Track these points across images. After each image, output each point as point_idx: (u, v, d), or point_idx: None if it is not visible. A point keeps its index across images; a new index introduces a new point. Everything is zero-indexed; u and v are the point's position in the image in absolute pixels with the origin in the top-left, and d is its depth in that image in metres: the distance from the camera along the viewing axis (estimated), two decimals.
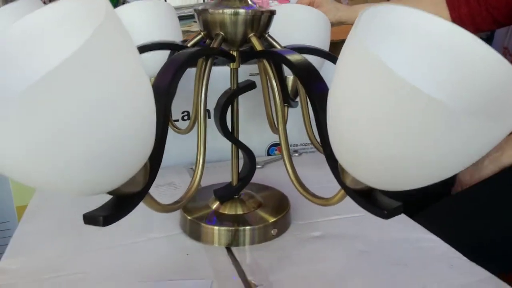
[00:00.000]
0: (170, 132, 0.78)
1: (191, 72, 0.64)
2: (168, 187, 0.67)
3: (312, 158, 0.83)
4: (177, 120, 0.79)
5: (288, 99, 0.67)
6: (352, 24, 0.29)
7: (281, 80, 0.63)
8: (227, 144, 0.53)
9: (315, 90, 0.41)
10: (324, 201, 0.42)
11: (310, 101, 0.42)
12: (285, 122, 0.52)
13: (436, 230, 0.53)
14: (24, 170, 0.26)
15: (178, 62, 0.40)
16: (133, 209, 0.34)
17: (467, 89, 0.30)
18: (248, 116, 0.82)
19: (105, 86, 0.25)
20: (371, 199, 0.37)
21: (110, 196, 0.34)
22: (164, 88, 0.38)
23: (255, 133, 0.82)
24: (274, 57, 0.45)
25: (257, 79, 0.81)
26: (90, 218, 0.32)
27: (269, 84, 0.55)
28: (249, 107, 0.81)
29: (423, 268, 0.45)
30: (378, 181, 0.33)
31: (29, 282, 0.44)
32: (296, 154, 0.82)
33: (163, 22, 0.63)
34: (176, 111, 0.77)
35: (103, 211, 0.33)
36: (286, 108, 0.68)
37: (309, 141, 0.89)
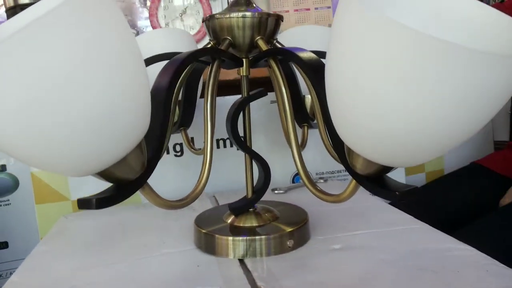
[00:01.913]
0: (193, 159, 0.79)
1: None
2: (187, 210, 0.65)
3: (339, 185, 0.80)
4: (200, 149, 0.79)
5: (307, 118, 0.66)
6: None
7: (298, 99, 0.63)
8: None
9: (324, 88, 0.40)
10: (335, 197, 0.39)
11: (318, 99, 0.41)
12: (295, 127, 0.51)
13: (484, 244, 0.48)
14: (6, 135, 0.26)
15: (180, 59, 0.40)
16: (128, 195, 0.33)
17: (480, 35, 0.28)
18: (270, 147, 0.81)
19: (90, 44, 0.25)
20: (382, 183, 0.34)
21: None
22: (165, 83, 0.38)
23: (279, 163, 0.80)
24: (282, 55, 0.45)
25: (277, 107, 0.81)
26: (84, 202, 0.32)
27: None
28: (270, 138, 0.81)
29: (454, 274, 0.41)
30: (391, 156, 0.30)
31: None
32: (322, 181, 0.79)
33: (180, 49, 0.65)
34: (199, 140, 0.78)
35: (98, 196, 0.32)
36: (306, 128, 0.66)
37: (336, 169, 0.86)
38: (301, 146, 0.65)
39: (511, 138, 1.02)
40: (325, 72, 0.31)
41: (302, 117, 0.65)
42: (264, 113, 0.81)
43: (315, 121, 0.68)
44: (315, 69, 0.41)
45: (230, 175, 0.79)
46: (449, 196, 0.78)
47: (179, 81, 0.52)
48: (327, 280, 0.41)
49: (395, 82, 0.25)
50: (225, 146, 0.80)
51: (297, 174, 0.83)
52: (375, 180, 0.35)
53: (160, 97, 0.37)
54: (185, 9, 1.07)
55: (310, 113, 0.66)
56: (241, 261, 0.47)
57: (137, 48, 0.30)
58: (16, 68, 0.23)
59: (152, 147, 0.35)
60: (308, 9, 1.21)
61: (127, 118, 0.29)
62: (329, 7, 1.22)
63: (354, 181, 0.37)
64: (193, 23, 1.07)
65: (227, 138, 0.80)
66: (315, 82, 0.40)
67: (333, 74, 0.29)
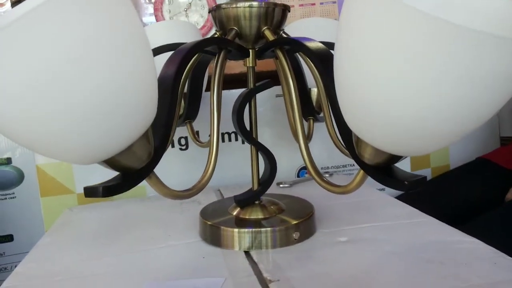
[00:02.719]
0: (199, 152, 0.78)
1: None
2: (192, 203, 0.65)
3: (345, 179, 0.79)
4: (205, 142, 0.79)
5: (313, 112, 0.66)
6: None
7: (305, 92, 0.62)
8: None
9: (333, 77, 0.39)
10: (342, 188, 0.39)
11: (326, 89, 0.41)
12: (302, 119, 0.50)
13: (490, 239, 0.48)
14: (11, 120, 0.26)
15: (187, 48, 0.40)
16: (135, 184, 0.33)
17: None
18: (275, 141, 0.81)
19: (97, 27, 0.25)
20: (390, 173, 0.34)
21: None
22: (172, 71, 0.38)
23: (284, 157, 0.80)
24: (289, 45, 0.45)
25: (283, 100, 0.81)
26: (90, 190, 0.31)
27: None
28: (276, 132, 0.80)
29: (462, 265, 0.40)
30: (401, 143, 0.30)
31: (44, 283, 0.43)
32: (327, 175, 0.79)
33: (185, 41, 0.65)
34: (204, 134, 0.77)
35: (104, 184, 0.32)
36: (311, 121, 0.66)
37: (341, 164, 0.86)
38: (307, 139, 0.64)
39: None
40: (334, 59, 0.31)
41: (308, 110, 0.64)
42: (269, 107, 0.80)
43: (321, 115, 0.68)
44: (323, 59, 0.41)
45: (235, 169, 0.79)
46: (455, 191, 0.77)
47: (185, 72, 0.52)
48: (333, 272, 0.40)
49: (407, 67, 0.24)
50: (230, 140, 0.80)
51: (303, 168, 0.82)
52: (383, 170, 0.34)
53: (167, 86, 0.36)
54: (190, 3, 1.07)
55: (316, 107, 0.66)
56: (247, 253, 0.47)
57: (144, 34, 0.30)
58: (22, 51, 0.23)
59: (159, 136, 0.35)
60: (314, 4, 1.21)
61: (134, 104, 0.29)
62: (334, 2, 1.21)
63: (361, 171, 0.37)
64: (198, 18, 1.07)
65: (232, 132, 0.80)
66: (323, 71, 0.39)
67: (343, 60, 0.29)
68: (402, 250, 0.44)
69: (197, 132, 0.77)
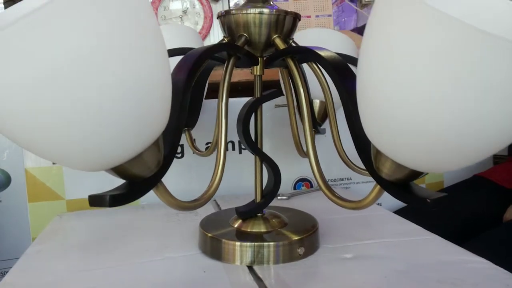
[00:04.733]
0: (194, 161, 0.76)
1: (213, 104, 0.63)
2: (189, 214, 0.63)
3: (343, 193, 0.78)
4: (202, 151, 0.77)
5: (315, 124, 0.64)
6: None
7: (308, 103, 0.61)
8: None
9: (349, 87, 0.38)
10: (355, 204, 0.38)
11: (342, 99, 0.40)
12: (313, 131, 0.49)
13: (489, 258, 0.47)
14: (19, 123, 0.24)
15: (197, 53, 0.38)
16: (143, 194, 0.31)
17: None
18: (273, 152, 0.79)
19: (112, 25, 0.23)
20: (408, 190, 0.33)
21: None
22: (183, 78, 0.36)
23: (281, 169, 0.78)
24: (302, 53, 0.43)
25: (281, 111, 0.79)
26: (96, 198, 0.29)
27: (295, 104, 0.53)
28: (274, 143, 0.79)
29: (473, 286, 0.39)
30: (427, 160, 0.28)
31: None
32: None
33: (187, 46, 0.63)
34: (200, 142, 0.76)
35: (111, 192, 0.30)
36: (313, 133, 0.65)
37: (338, 177, 0.85)
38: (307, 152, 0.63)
39: (510, 153, 1.02)
40: (359, 69, 0.30)
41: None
42: (268, 117, 0.79)
43: (322, 127, 0.67)
44: (337, 67, 0.40)
45: (232, 179, 0.77)
46: (454, 208, 0.77)
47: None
48: None
49: (440, 76, 0.23)
50: (227, 149, 0.78)
51: (299, 180, 0.81)
52: (402, 186, 0.33)
53: (178, 91, 0.35)
54: (185, 11, 1.05)
55: (318, 118, 0.65)
56: (250, 268, 0.45)
57: (161, 36, 0.28)
58: (34, 47, 0.21)
59: (168, 144, 0.33)
60: (309, 16, 1.20)
61: (148, 107, 0.27)
62: (329, 15, 1.21)
63: (377, 187, 0.35)
64: (193, 25, 1.05)
65: (230, 141, 0.78)
66: (338, 81, 0.38)
67: (369, 68, 0.28)
68: (410, 270, 0.43)
69: (194, 140, 0.75)
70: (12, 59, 0.21)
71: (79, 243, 0.54)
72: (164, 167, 0.32)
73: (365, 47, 0.28)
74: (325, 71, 0.42)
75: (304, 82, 0.44)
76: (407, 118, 0.26)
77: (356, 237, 0.52)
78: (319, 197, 0.72)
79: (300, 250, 0.46)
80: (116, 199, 0.29)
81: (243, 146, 0.78)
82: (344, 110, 0.39)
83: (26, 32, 0.21)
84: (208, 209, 0.64)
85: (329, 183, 0.82)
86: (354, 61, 0.51)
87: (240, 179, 0.76)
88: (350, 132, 0.38)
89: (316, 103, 0.64)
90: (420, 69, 0.24)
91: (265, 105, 0.79)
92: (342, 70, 0.39)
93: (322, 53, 0.40)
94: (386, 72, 0.26)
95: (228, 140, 0.78)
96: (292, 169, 0.81)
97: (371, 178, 0.35)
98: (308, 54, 0.42)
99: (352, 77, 0.40)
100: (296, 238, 0.46)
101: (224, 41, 0.48)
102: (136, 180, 0.31)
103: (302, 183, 0.81)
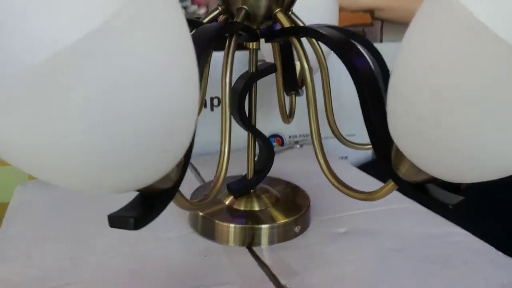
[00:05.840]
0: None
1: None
2: None
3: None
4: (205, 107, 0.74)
5: (296, 87, 0.63)
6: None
7: (291, 66, 0.59)
8: (242, 133, 0.48)
9: (358, 66, 0.36)
10: (367, 195, 0.38)
11: (353, 78, 0.38)
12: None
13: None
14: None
15: (203, 40, 0.34)
16: (165, 208, 0.29)
17: None
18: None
19: (153, 47, 0.20)
20: (428, 192, 0.33)
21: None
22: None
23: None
24: (308, 34, 0.41)
25: None
26: (118, 221, 0.27)
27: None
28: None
29: (464, 266, 0.42)
30: (451, 170, 0.28)
31: None
32: (298, 146, 0.78)
33: None
34: None
35: (131, 211, 0.28)
36: (293, 96, 0.63)
37: (308, 132, 0.85)
38: (290, 116, 0.62)
39: None
40: (396, 65, 0.28)
41: (291, 85, 0.61)
42: (238, 75, 0.76)
43: (303, 88, 0.65)
44: (347, 49, 0.38)
45: (202, 136, 0.74)
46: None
47: None
48: (344, 275, 0.40)
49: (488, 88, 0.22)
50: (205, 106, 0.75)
51: (271, 136, 0.80)
52: (418, 187, 0.33)
53: None
54: None
55: (299, 81, 0.63)
56: (250, 249, 0.45)
57: (192, 45, 0.25)
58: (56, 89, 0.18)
59: None
60: None
61: (183, 124, 0.25)
62: None
63: (392, 183, 0.35)
64: None
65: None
66: (347, 59, 0.36)
67: (411, 66, 0.26)
68: (402, 247, 0.45)
69: None
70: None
71: (58, 224, 0.50)
72: (182, 176, 0.30)
73: (406, 48, 0.26)
74: (333, 51, 0.40)
75: (308, 59, 0.42)
76: (447, 134, 0.26)
77: (344, 207, 0.53)
78: (296, 157, 0.72)
79: (297, 228, 0.47)
80: (141, 221, 0.27)
81: (215, 104, 0.75)
82: (358, 91, 0.37)
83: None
84: (188, 177, 0.63)
85: (300, 138, 0.82)
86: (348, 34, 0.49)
87: (211, 135, 0.73)
88: (364, 119, 0.37)
89: (297, 66, 0.62)
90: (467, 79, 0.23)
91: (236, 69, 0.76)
92: (351, 51, 0.37)
93: (327, 33, 0.37)
94: (424, 86, 0.25)
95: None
96: (263, 125, 0.80)
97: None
98: (314, 36, 0.40)
99: (360, 56, 0.38)
100: (292, 218, 0.47)
101: (218, 10, 0.43)
102: (155, 192, 0.29)
103: (274, 139, 0.80)
